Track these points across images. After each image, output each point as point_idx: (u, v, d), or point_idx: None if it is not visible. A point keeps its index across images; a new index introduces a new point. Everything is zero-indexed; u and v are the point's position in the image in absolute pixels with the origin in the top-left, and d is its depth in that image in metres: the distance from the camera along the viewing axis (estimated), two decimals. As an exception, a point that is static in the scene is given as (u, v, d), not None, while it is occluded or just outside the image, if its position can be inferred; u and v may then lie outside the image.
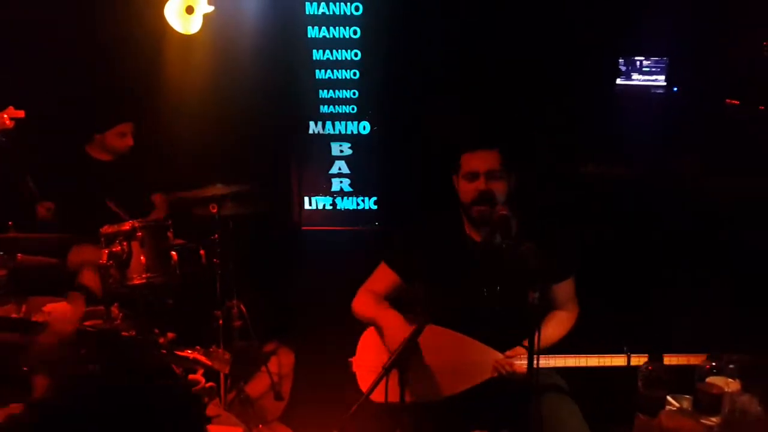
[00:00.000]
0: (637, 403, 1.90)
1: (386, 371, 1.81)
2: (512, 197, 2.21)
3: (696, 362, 1.98)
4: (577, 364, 2.15)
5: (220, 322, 3.13)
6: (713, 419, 1.82)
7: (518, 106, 3.20)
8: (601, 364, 2.12)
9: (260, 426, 3.14)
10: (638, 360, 2.06)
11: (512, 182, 2.24)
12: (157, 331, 3.19)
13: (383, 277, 2.37)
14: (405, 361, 1.82)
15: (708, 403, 1.85)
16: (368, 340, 2.32)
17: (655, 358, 1.91)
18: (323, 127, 3.07)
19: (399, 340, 2.12)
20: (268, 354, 3.78)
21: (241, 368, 3.30)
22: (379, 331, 2.27)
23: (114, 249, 2.95)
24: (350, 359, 2.31)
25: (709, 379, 1.92)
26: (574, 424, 2.11)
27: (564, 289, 2.32)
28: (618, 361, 2.11)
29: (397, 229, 2.52)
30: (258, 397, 3.42)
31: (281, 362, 3.71)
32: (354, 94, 3.02)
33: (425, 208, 3.11)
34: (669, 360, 2.00)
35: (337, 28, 2.98)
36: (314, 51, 3.00)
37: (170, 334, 3.23)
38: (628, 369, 2.06)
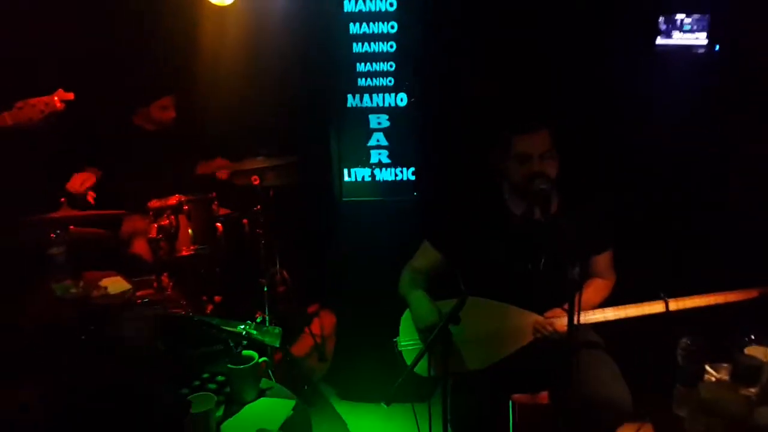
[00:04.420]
0: (676, 375, 1.95)
1: (428, 347, 1.88)
2: (559, 174, 2.22)
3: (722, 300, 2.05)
4: (617, 316, 2.18)
5: (265, 288, 3.24)
6: (752, 389, 1.86)
7: (562, 78, 3.15)
8: (640, 312, 2.14)
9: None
10: (676, 304, 2.11)
11: (559, 160, 2.24)
12: (204, 297, 3.35)
13: (426, 255, 2.43)
14: (448, 335, 1.88)
15: (746, 373, 1.89)
16: (408, 320, 2.40)
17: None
18: (361, 99, 3.08)
19: (424, 319, 2.21)
20: (311, 315, 3.91)
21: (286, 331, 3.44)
22: (410, 310, 2.35)
23: (162, 223, 3.07)
24: (394, 339, 2.38)
25: (748, 350, 1.96)
26: (607, 374, 2.13)
27: (602, 261, 2.39)
28: (657, 307, 2.13)
29: (438, 205, 2.54)
30: (302, 357, 3.56)
31: (323, 324, 3.82)
32: (391, 66, 3.01)
33: (462, 179, 3.14)
34: (695, 302, 2.09)
35: (373, 1, 2.96)
36: (351, 24, 2.98)
37: (217, 298, 3.38)
38: (667, 315, 2.10)
